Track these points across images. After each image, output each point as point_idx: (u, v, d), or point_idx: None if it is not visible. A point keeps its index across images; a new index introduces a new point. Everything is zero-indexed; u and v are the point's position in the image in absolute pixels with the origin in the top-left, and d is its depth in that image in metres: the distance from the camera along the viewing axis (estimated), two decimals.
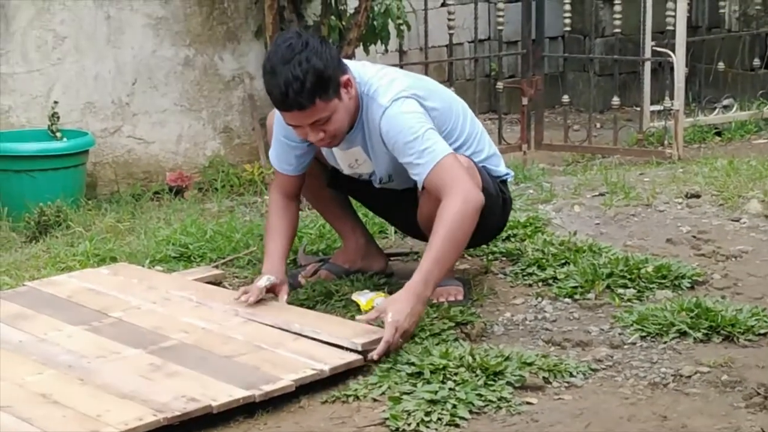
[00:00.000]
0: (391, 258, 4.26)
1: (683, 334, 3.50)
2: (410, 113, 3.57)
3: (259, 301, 3.68)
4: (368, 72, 3.68)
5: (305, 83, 3.42)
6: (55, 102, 6.11)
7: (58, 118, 6.06)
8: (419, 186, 3.57)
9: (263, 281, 3.70)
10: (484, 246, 4.33)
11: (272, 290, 3.73)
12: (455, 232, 3.42)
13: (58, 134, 6.02)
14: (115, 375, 3.19)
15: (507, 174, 3.95)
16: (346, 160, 3.79)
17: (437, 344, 3.37)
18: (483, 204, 3.48)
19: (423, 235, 3.81)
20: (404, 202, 3.77)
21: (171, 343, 3.42)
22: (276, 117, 3.79)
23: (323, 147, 3.73)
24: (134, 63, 6.39)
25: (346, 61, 3.72)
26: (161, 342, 3.43)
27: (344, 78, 3.55)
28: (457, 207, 3.42)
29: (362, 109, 3.63)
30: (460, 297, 3.79)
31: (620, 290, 3.88)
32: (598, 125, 8.09)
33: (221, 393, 3.04)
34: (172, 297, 3.84)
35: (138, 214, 5.54)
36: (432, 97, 3.70)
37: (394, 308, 3.34)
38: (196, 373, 3.18)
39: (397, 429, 2.93)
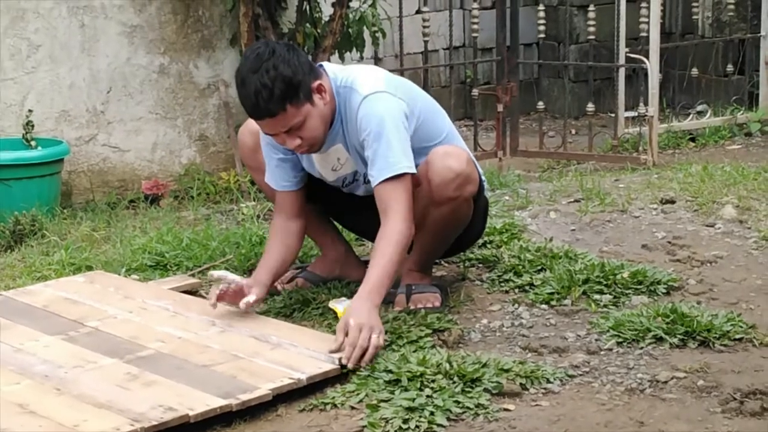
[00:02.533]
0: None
1: (659, 339, 3.51)
2: (391, 110, 3.59)
3: (240, 314, 3.66)
4: (348, 67, 3.73)
5: (274, 90, 3.46)
6: (30, 110, 6.08)
7: (33, 126, 6.03)
8: (372, 186, 3.59)
9: (222, 284, 3.67)
10: (461, 253, 4.34)
11: (241, 292, 3.67)
12: (399, 255, 3.51)
13: (33, 143, 5.99)
14: (92, 385, 3.18)
15: (483, 180, 3.97)
16: (328, 163, 3.79)
17: (414, 351, 3.38)
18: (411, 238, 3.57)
19: None
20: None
21: (148, 353, 3.41)
22: (261, 136, 3.80)
23: (303, 153, 3.73)
24: (109, 71, 6.37)
25: (324, 63, 3.74)
26: (138, 351, 3.42)
27: (316, 83, 3.57)
28: (403, 234, 3.51)
29: (340, 104, 3.64)
30: (438, 304, 3.80)
31: (596, 296, 3.89)
32: (573, 131, 8.12)
33: (198, 402, 3.03)
34: (149, 306, 3.83)
35: (113, 222, 5.52)
36: (415, 98, 3.74)
37: (354, 315, 3.37)
38: (173, 382, 3.17)
39: None
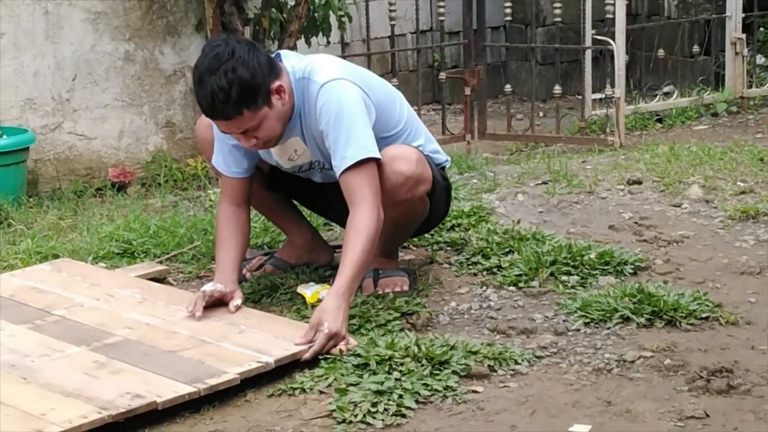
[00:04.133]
0: (337, 250, 4.25)
1: (626, 319, 3.53)
2: (350, 96, 3.56)
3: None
4: (305, 57, 3.69)
5: (230, 94, 3.41)
6: None
7: None
8: (336, 175, 3.55)
9: (208, 287, 3.64)
10: (429, 236, 4.35)
11: (223, 299, 3.64)
12: (371, 243, 3.47)
13: None
14: (59, 373, 3.16)
15: (446, 160, 3.96)
16: (285, 153, 3.76)
17: (383, 335, 3.38)
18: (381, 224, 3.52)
19: None
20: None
21: (115, 340, 3.40)
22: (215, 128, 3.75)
23: (258, 149, 3.70)
24: (74, 58, 6.32)
25: (283, 51, 3.71)
26: (105, 339, 3.41)
27: (275, 85, 3.52)
28: (373, 222, 3.47)
29: (298, 96, 3.61)
30: (406, 288, 3.80)
31: (564, 277, 3.91)
32: (541, 114, 8.13)
33: (166, 389, 3.03)
34: (116, 294, 3.81)
35: (80, 210, 5.49)
36: (372, 86, 3.70)
37: (329, 318, 3.32)
38: (140, 369, 3.17)
39: (344, 421, 2.94)
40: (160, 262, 4.27)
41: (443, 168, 3.94)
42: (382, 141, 3.67)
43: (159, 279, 4.09)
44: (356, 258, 3.43)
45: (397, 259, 3.95)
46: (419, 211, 3.77)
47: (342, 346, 3.29)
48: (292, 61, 3.66)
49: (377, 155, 3.55)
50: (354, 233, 3.47)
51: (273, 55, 3.65)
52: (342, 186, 3.55)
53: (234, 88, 3.41)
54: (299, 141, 3.70)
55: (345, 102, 3.54)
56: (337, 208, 3.80)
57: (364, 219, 3.47)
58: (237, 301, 3.63)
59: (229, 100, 3.42)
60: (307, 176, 3.85)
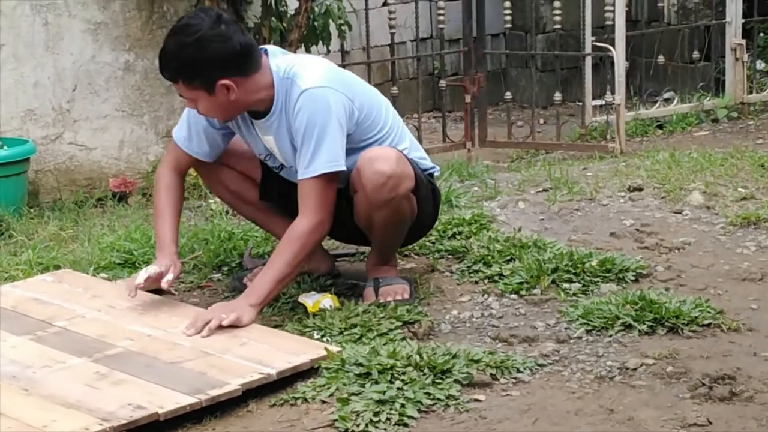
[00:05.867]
0: (338, 259, 4.26)
1: (628, 327, 3.53)
2: (328, 106, 3.61)
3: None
4: (294, 57, 3.80)
5: (170, 62, 3.63)
6: None
7: None
8: (297, 179, 3.67)
9: (142, 275, 3.78)
10: (430, 244, 4.35)
11: (160, 275, 3.79)
12: (298, 256, 3.63)
13: None
14: (61, 384, 3.16)
15: (433, 168, 3.97)
16: (267, 146, 3.84)
17: (385, 344, 3.37)
18: (323, 237, 3.72)
19: (363, 239, 3.87)
20: (338, 211, 3.74)
21: (117, 351, 3.40)
22: None
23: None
24: (74, 69, 6.33)
25: (270, 48, 3.77)
26: (107, 350, 3.40)
27: (223, 81, 3.60)
28: (312, 232, 3.63)
29: (280, 94, 3.68)
30: (407, 296, 3.80)
31: (565, 285, 3.90)
32: (541, 121, 8.13)
33: (168, 400, 3.02)
34: (117, 305, 3.81)
35: (81, 221, 5.49)
36: (355, 91, 3.74)
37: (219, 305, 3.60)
38: (142, 380, 3.16)
39: (346, 430, 2.94)
40: None
41: (431, 175, 3.94)
42: (368, 143, 3.73)
43: (160, 290, 4.07)
44: (275, 268, 3.61)
45: (396, 266, 3.95)
46: (407, 211, 3.76)
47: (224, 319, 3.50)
48: (278, 60, 3.72)
49: (339, 168, 3.62)
50: (285, 241, 3.64)
51: (260, 50, 3.73)
52: (299, 189, 3.66)
53: (176, 58, 3.61)
54: (272, 141, 3.77)
55: (321, 112, 3.60)
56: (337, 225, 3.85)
57: (299, 229, 3.62)
58: (169, 276, 3.76)
59: (168, 65, 3.65)
60: (289, 177, 3.86)
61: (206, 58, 3.57)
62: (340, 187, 3.70)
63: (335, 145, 3.60)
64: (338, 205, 3.69)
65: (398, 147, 3.79)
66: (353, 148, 3.69)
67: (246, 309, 3.57)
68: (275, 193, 3.98)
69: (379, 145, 3.75)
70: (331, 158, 3.59)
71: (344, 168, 3.62)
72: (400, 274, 3.92)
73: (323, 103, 3.60)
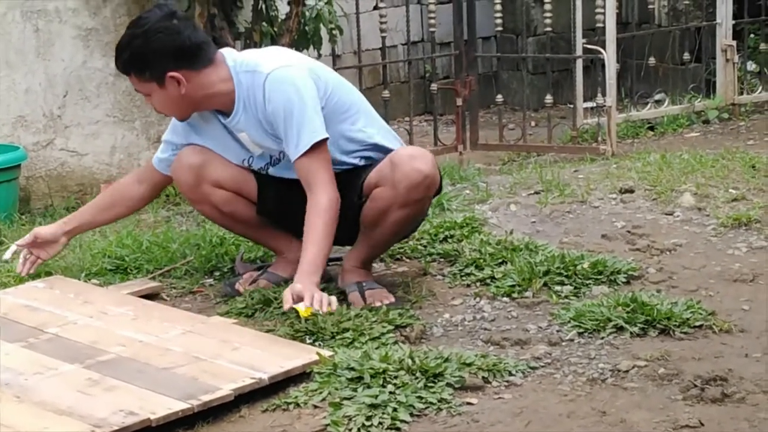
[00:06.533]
0: (330, 263, 4.25)
1: (620, 329, 3.53)
2: (297, 81, 3.67)
3: (203, 320, 3.71)
4: (249, 51, 3.91)
5: (123, 54, 3.76)
6: None
7: None
8: (292, 161, 3.70)
9: (11, 248, 4.21)
10: (422, 247, 4.35)
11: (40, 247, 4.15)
12: (333, 223, 3.64)
13: None
14: (53, 391, 3.15)
15: None
16: (247, 144, 3.88)
17: (377, 348, 3.37)
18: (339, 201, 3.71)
19: (343, 240, 3.93)
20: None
21: (108, 357, 3.39)
22: (174, 118, 3.99)
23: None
24: (65, 75, 6.32)
25: (225, 50, 3.83)
26: (98, 356, 3.40)
27: (172, 73, 3.70)
28: (333, 202, 3.65)
29: (242, 89, 3.74)
30: (392, 299, 3.82)
31: (557, 287, 3.91)
32: (533, 124, 8.15)
33: (160, 406, 3.02)
34: (109, 311, 3.80)
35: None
36: (318, 71, 3.80)
37: (298, 286, 3.54)
38: (134, 386, 3.16)
39: None
40: (153, 278, 4.26)
41: None
42: (338, 123, 3.78)
43: (152, 296, 4.08)
44: (318, 242, 3.60)
45: (371, 271, 4.01)
46: (422, 214, 3.89)
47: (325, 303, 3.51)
48: (235, 56, 3.81)
49: (324, 135, 3.67)
50: (315, 217, 3.63)
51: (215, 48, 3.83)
52: (297, 172, 3.70)
53: (127, 51, 3.74)
54: (247, 138, 3.83)
55: (291, 87, 3.67)
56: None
57: (323, 202, 3.63)
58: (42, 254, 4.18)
59: (120, 57, 3.77)
60: (280, 173, 3.88)
61: (154, 50, 3.68)
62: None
63: (313, 115, 3.66)
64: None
65: (371, 127, 3.87)
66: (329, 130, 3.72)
67: (317, 290, 3.57)
68: (272, 205, 3.98)
69: (352, 124, 3.81)
70: (312, 129, 3.65)
71: (326, 135, 3.67)
72: (374, 279, 3.96)
73: (290, 81, 3.68)
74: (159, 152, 4.07)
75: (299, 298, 3.52)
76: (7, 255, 4.17)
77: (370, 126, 3.86)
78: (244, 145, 3.87)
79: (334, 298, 3.59)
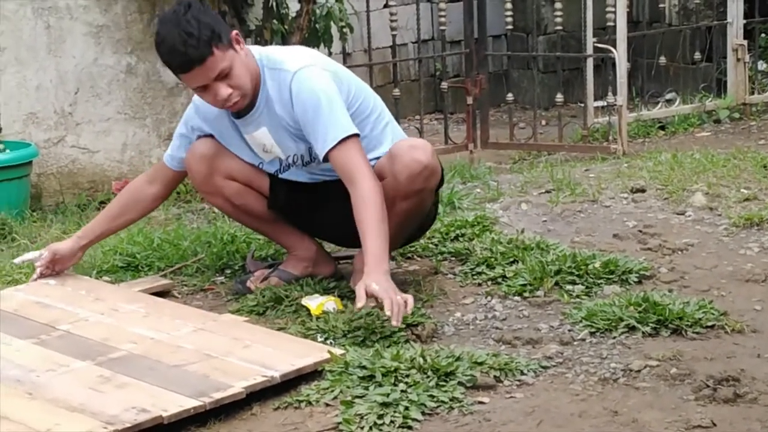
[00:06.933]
0: (340, 261, 4.26)
1: (632, 328, 3.52)
2: (323, 80, 3.66)
3: (215, 317, 3.69)
4: (272, 48, 3.85)
5: (200, 36, 3.56)
6: None
7: (0, 129, 5.99)
8: (320, 157, 3.65)
9: (25, 257, 4.16)
10: (433, 246, 4.35)
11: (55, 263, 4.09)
12: (383, 211, 3.54)
13: (1, 146, 5.95)
14: (65, 388, 3.16)
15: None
16: (258, 146, 3.85)
17: (388, 347, 3.37)
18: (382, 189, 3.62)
19: (351, 241, 3.87)
20: (346, 215, 3.73)
21: (120, 354, 3.39)
22: (186, 114, 3.96)
23: (233, 110, 3.75)
24: (76, 72, 6.34)
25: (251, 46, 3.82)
26: (110, 353, 3.40)
27: (234, 33, 3.66)
28: (378, 190, 3.56)
29: (265, 83, 3.71)
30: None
31: (569, 287, 3.90)
32: (544, 122, 8.14)
33: (171, 403, 3.02)
34: (121, 308, 3.81)
35: (84, 224, 5.43)
36: (340, 73, 3.79)
37: (373, 281, 3.39)
38: (145, 383, 3.16)
39: None
40: (164, 276, 4.26)
41: None
42: (363, 128, 3.75)
43: (163, 293, 4.08)
44: (376, 231, 3.50)
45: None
46: (427, 205, 3.85)
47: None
48: (259, 50, 3.78)
49: (354, 129, 3.63)
50: (365, 208, 3.52)
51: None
52: (333, 165, 3.63)
53: (201, 30, 3.57)
54: (266, 133, 3.78)
55: (319, 86, 3.64)
56: (332, 226, 3.87)
57: (369, 189, 3.54)
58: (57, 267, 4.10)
59: (200, 41, 3.55)
60: (294, 177, 3.87)
61: (215, 17, 3.65)
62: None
63: (342, 112, 3.63)
64: (335, 204, 3.69)
65: (391, 129, 3.86)
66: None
67: (393, 291, 3.43)
68: (283, 201, 3.97)
69: (372, 129, 3.80)
70: (342, 124, 3.61)
71: (356, 131, 3.63)
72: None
73: (317, 80, 3.66)
74: (171, 149, 4.04)
75: (371, 295, 3.41)
76: (18, 260, 4.15)
77: (390, 126, 3.87)
78: (254, 150, 3.86)
79: (410, 298, 3.45)
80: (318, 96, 3.63)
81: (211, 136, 3.92)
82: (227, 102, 3.65)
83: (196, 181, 4.01)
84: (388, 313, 3.35)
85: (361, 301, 3.39)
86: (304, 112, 3.64)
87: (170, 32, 3.57)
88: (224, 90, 3.62)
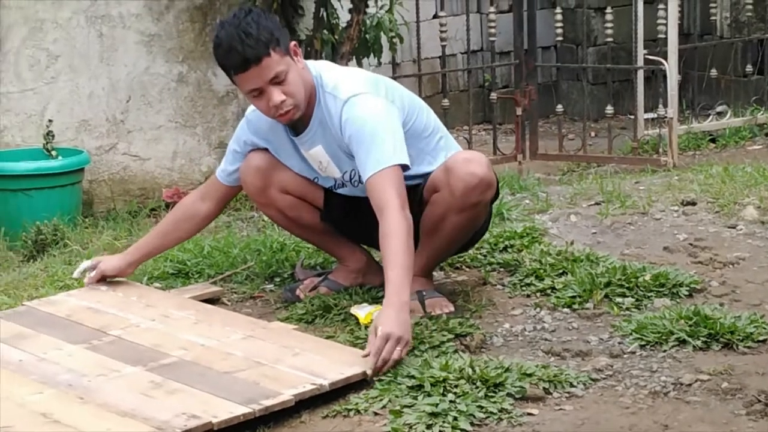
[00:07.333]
0: None
1: (682, 342, 3.50)
2: (373, 109, 3.63)
3: (264, 325, 3.72)
4: (324, 68, 3.79)
5: (259, 36, 3.55)
6: (50, 120, 6.11)
7: (53, 136, 6.06)
8: (363, 181, 3.61)
9: (80, 267, 4.19)
10: (482, 257, 4.35)
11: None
12: (408, 245, 3.47)
13: (54, 153, 6.02)
14: (116, 393, 3.18)
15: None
16: (314, 162, 3.84)
17: (437, 356, 3.37)
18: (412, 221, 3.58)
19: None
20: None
21: (171, 360, 3.42)
22: (239, 131, 3.97)
23: (284, 121, 3.71)
24: (128, 80, 6.40)
25: (308, 62, 3.81)
26: (161, 359, 3.43)
27: (293, 44, 3.66)
28: (403, 224, 3.48)
29: (320, 103, 3.70)
30: (452, 308, 3.81)
31: (618, 299, 3.88)
32: (593, 134, 8.11)
33: (221, 409, 3.03)
34: (171, 314, 3.83)
35: (135, 231, 5.53)
36: (395, 93, 3.76)
37: (384, 322, 3.33)
38: (196, 389, 3.18)
39: None
40: (214, 283, 4.29)
41: None
42: (419, 145, 3.76)
43: (213, 300, 4.11)
44: (399, 264, 3.44)
45: (432, 280, 3.97)
46: (481, 219, 3.84)
47: (396, 354, 3.27)
48: (317, 67, 3.77)
49: (404, 161, 3.60)
50: (388, 239, 3.48)
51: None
52: (368, 193, 3.59)
53: (261, 31, 3.55)
54: (322, 151, 3.78)
55: (367, 115, 3.62)
56: None
57: (395, 223, 3.48)
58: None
59: (259, 41, 3.54)
60: (349, 193, 3.87)
61: (275, 24, 3.64)
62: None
63: (389, 141, 3.59)
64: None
65: (448, 147, 3.86)
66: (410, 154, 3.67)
67: (404, 314, 3.37)
68: (337, 213, 3.98)
69: (428, 143, 3.80)
70: (387, 152, 3.57)
71: (406, 161, 3.59)
72: (435, 287, 3.93)
73: (367, 108, 3.63)
74: (224, 164, 4.04)
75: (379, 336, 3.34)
76: (77, 274, 4.19)
77: (444, 140, 3.88)
78: (311, 165, 3.87)
79: (409, 342, 3.35)
80: (364, 125, 3.60)
81: (265, 149, 3.92)
82: (279, 109, 3.63)
83: (250, 193, 4.01)
84: (367, 360, 3.28)
85: (369, 347, 3.32)
86: (350, 140, 3.63)
87: (229, 33, 3.57)
88: (278, 95, 3.61)
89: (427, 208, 3.75)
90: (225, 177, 4.03)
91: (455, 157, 3.74)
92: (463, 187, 3.65)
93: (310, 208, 3.98)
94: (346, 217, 3.97)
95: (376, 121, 3.61)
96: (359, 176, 3.71)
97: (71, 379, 3.30)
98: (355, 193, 3.85)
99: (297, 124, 3.76)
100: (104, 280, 4.14)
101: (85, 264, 4.16)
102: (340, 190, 3.91)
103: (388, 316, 3.34)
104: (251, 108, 3.88)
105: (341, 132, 3.66)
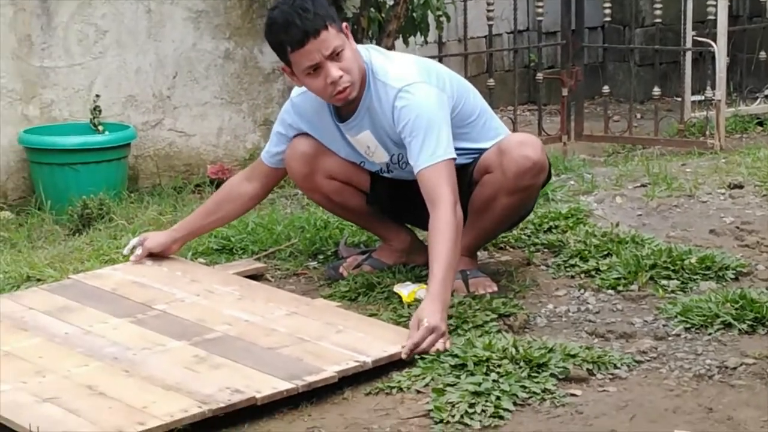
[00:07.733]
0: None
1: (728, 325, 3.47)
2: (426, 99, 3.61)
3: (308, 302, 3.72)
4: (374, 55, 3.75)
5: (316, 11, 3.54)
6: (97, 95, 6.15)
7: (100, 111, 6.10)
8: (415, 171, 3.59)
9: (129, 244, 4.19)
10: (525, 237, 4.34)
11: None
12: (455, 242, 3.48)
13: (100, 128, 6.06)
14: (160, 367, 3.21)
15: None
16: (361, 148, 3.83)
17: (480, 336, 3.37)
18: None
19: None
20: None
21: (215, 335, 3.44)
22: (283, 112, 3.93)
23: (341, 100, 3.66)
24: (175, 56, 6.42)
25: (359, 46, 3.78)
26: (205, 334, 3.45)
27: (344, 25, 3.64)
28: (453, 221, 3.48)
29: (369, 89, 3.67)
30: (495, 288, 3.80)
31: (664, 281, 3.86)
32: (639, 116, 8.05)
33: (265, 384, 3.05)
34: (216, 290, 3.85)
35: (180, 206, 5.56)
36: (445, 81, 3.73)
37: (427, 314, 3.32)
38: (240, 365, 3.19)
39: (441, 421, 2.93)
40: (258, 259, 4.31)
41: None
42: (464, 130, 3.75)
43: (257, 276, 4.12)
44: (444, 259, 3.44)
45: (477, 260, 3.96)
46: (531, 202, 3.85)
47: (440, 345, 3.28)
48: (369, 52, 3.73)
49: (455, 155, 3.59)
50: (438, 235, 3.48)
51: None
52: (420, 185, 3.58)
53: (317, 6, 3.55)
54: (370, 136, 3.76)
55: (422, 105, 3.60)
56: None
57: (445, 219, 3.48)
58: (138, 251, 4.13)
59: (316, 14, 3.53)
60: (396, 176, 3.86)
61: (328, 6, 3.62)
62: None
63: (441, 134, 3.58)
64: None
65: (497, 129, 3.85)
66: (453, 134, 3.66)
67: (442, 312, 3.36)
68: (384, 196, 3.98)
69: (473, 128, 3.79)
70: (439, 145, 3.56)
71: (451, 156, 3.59)
72: (478, 267, 3.92)
73: (420, 98, 3.61)
74: (269, 146, 4.02)
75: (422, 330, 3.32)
76: (126, 250, 4.19)
77: (489, 121, 3.87)
78: (357, 150, 3.86)
79: (448, 342, 3.31)
80: (419, 116, 3.58)
81: (308, 134, 3.92)
82: (337, 86, 3.59)
83: (296, 179, 4.01)
84: (405, 348, 3.27)
85: (410, 340, 3.30)
86: (404, 130, 3.61)
87: (284, 11, 3.56)
88: (336, 71, 3.57)
89: (477, 188, 3.74)
90: (269, 158, 4.02)
91: (509, 138, 3.73)
92: (516, 169, 3.64)
93: (356, 192, 3.97)
94: (392, 199, 3.97)
95: (431, 112, 3.59)
96: (407, 159, 3.71)
97: (116, 352, 3.33)
98: (401, 176, 3.84)
99: (343, 109, 3.75)
100: (150, 256, 4.15)
101: (133, 241, 4.18)
102: (386, 174, 3.90)
103: (433, 311, 3.33)
104: (296, 90, 3.87)
105: (393, 121, 3.65)
